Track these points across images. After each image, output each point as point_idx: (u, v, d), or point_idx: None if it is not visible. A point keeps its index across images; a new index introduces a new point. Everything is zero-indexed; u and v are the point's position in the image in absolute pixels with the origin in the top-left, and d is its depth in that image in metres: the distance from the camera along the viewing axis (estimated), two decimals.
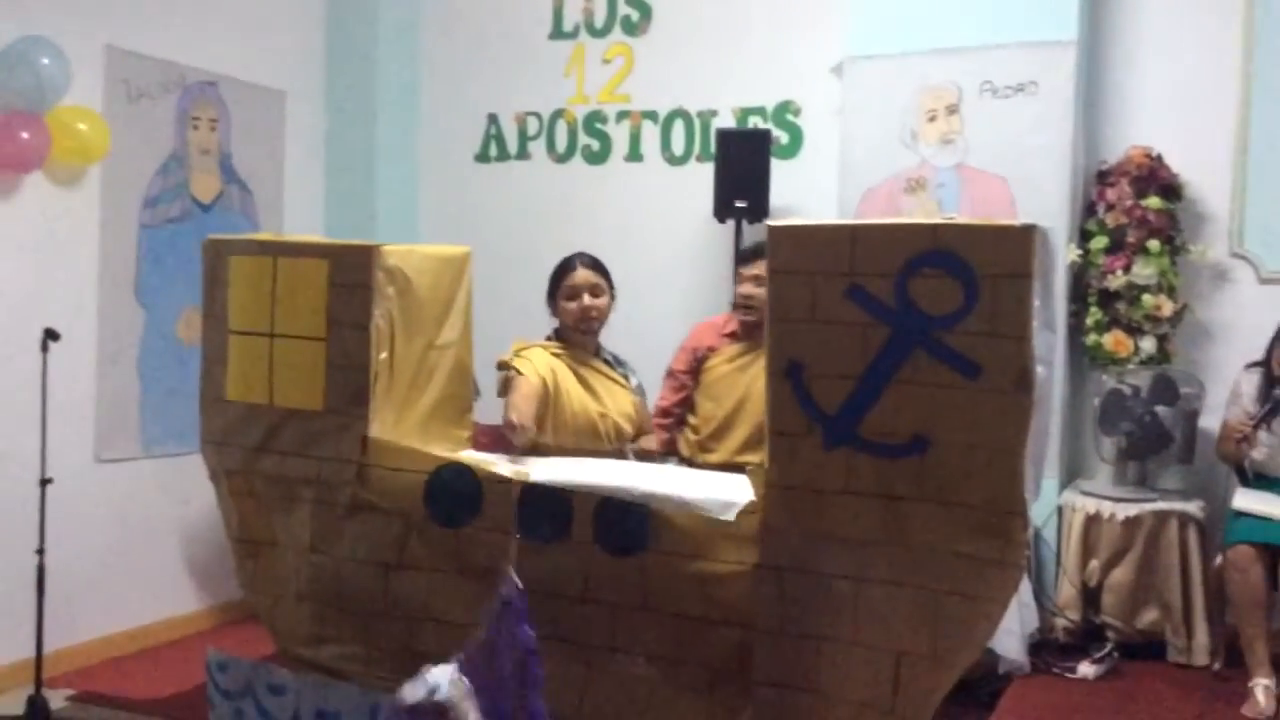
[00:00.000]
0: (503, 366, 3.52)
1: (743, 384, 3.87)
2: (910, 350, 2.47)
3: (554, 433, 3.46)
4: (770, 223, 2.62)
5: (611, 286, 3.65)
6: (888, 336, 2.48)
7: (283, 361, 3.12)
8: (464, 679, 2.60)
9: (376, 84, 5.43)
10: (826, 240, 2.55)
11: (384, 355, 3.04)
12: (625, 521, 2.79)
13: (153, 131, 4.56)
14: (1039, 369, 2.41)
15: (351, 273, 3.02)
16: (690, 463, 3.92)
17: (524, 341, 3.64)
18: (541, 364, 3.47)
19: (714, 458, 3.85)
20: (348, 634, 3.11)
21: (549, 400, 3.42)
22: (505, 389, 3.44)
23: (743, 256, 4.03)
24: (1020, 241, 2.38)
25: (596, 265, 3.63)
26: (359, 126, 5.43)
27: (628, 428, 3.64)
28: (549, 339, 3.70)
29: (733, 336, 3.98)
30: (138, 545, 4.53)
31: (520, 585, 2.31)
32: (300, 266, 3.08)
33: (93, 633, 4.32)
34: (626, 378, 3.72)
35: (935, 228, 2.46)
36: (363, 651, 3.09)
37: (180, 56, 4.63)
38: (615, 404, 3.61)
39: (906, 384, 2.48)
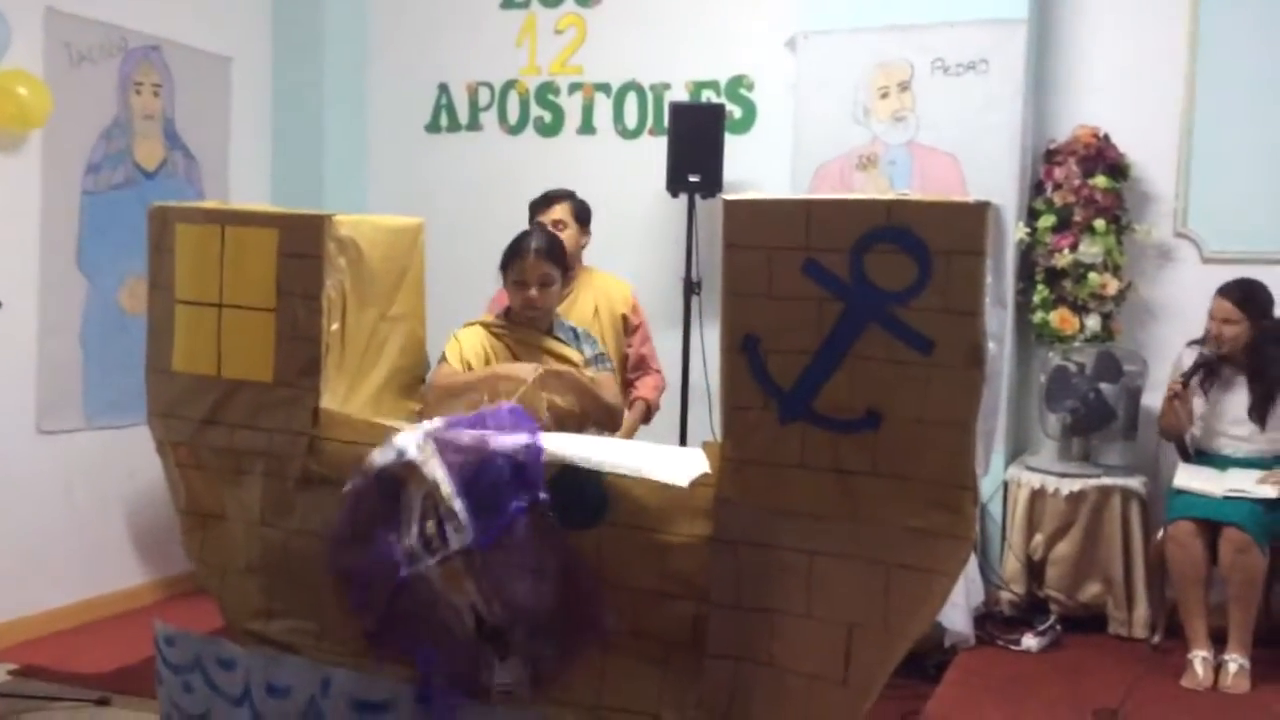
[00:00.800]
0: None
1: None
2: (865, 325, 2.47)
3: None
4: (726, 196, 2.61)
5: (565, 270, 3.52)
6: (842, 311, 2.48)
7: (231, 332, 3.06)
8: (431, 441, 2.62)
9: (325, 50, 5.36)
10: (782, 215, 2.54)
11: (335, 326, 2.99)
12: (580, 495, 2.78)
13: (95, 96, 4.46)
14: (990, 345, 2.43)
15: (302, 243, 2.96)
16: None
17: (473, 320, 3.59)
18: (472, 346, 3.41)
19: None
20: (298, 608, 3.07)
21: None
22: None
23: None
24: (974, 218, 2.39)
25: (551, 252, 3.44)
26: (307, 94, 5.36)
27: (571, 409, 3.43)
28: (496, 317, 3.62)
29: None
30: (82, 517, 4.46)
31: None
32: (249, 235, 3.02)
33: (36, 606, 4.26)
34: (582, 350, 3.58)
35: (890, 204, 2.46)
36: (314, 625, 3.05)
37: (123, 19, 4.54)
38: (563, 380, 3.43)
39: (861, 359, 2.49)
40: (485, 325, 3.54)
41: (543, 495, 2.67)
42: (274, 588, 3.08)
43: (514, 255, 3.45)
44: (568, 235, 4.04)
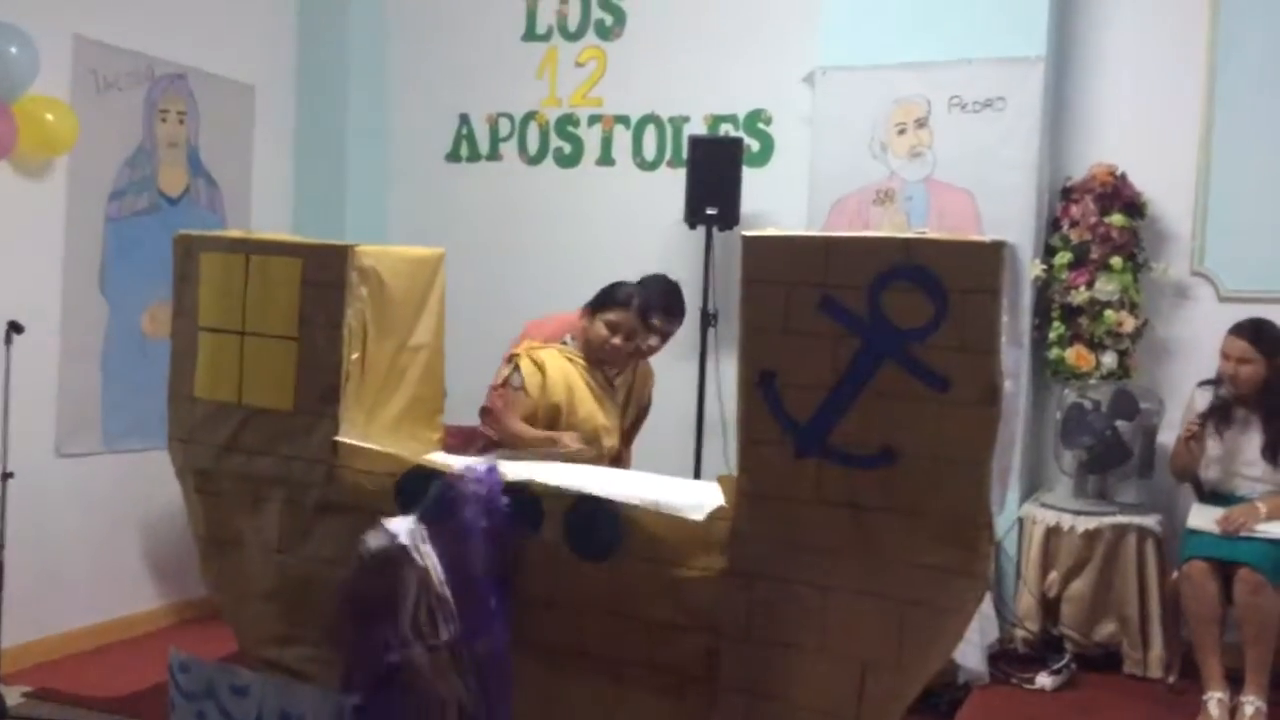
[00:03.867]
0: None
1: None
2: (881, 362, 2.49)
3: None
4: (745, 232, 2.64)
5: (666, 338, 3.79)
6: (859, 348, 2.50)
7: (253, 360, 3.10)
8: (422, 526, 2.64)
9: (347, 80, 5.42)
10: (800, 251, 2.58)
11: (355, 356, 3.03)
12: (596, 525, 2.80)
13: (120, 123, 4.52)
14: (1006, 383, 2.45)
15: (325, 272, 3.01)
16: None
17: (537, 341, 3.68)
18: (555, 375, 3.53)
19: None
20: (313, 635, 3.09)
21: (560, 410, 3.50)
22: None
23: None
24: (990, 257, 2.41)
25: (649, 323, 3.67)
26: (329, 123, 5.41)
27: (615, 445, 3.72)
28: (565, 342, 3.74)
29: None
30: (98, 541, 4.48)
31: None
32: (273, 264, 3.07)
33: (52, 629, 4.27)
34: (618, 401, 3.79)
35: (908, 241, 2.49)
36: (327, 654, 3.07)
37: (149, 48, 4.60)
38: (613, 420, 3.67)
39: (877, 395, 2.51)
40: (561, 351, 3.65)
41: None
42: (290, 615, 3.11)
43: (614, 301, 3.61)
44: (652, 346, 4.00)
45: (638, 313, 3.59)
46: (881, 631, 2.53)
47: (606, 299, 3.62)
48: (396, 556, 2.71)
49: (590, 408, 3.55)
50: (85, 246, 4.41)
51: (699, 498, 2.72)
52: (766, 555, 2.61)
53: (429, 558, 2.71)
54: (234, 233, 3.54)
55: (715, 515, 2.67)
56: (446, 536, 2.74)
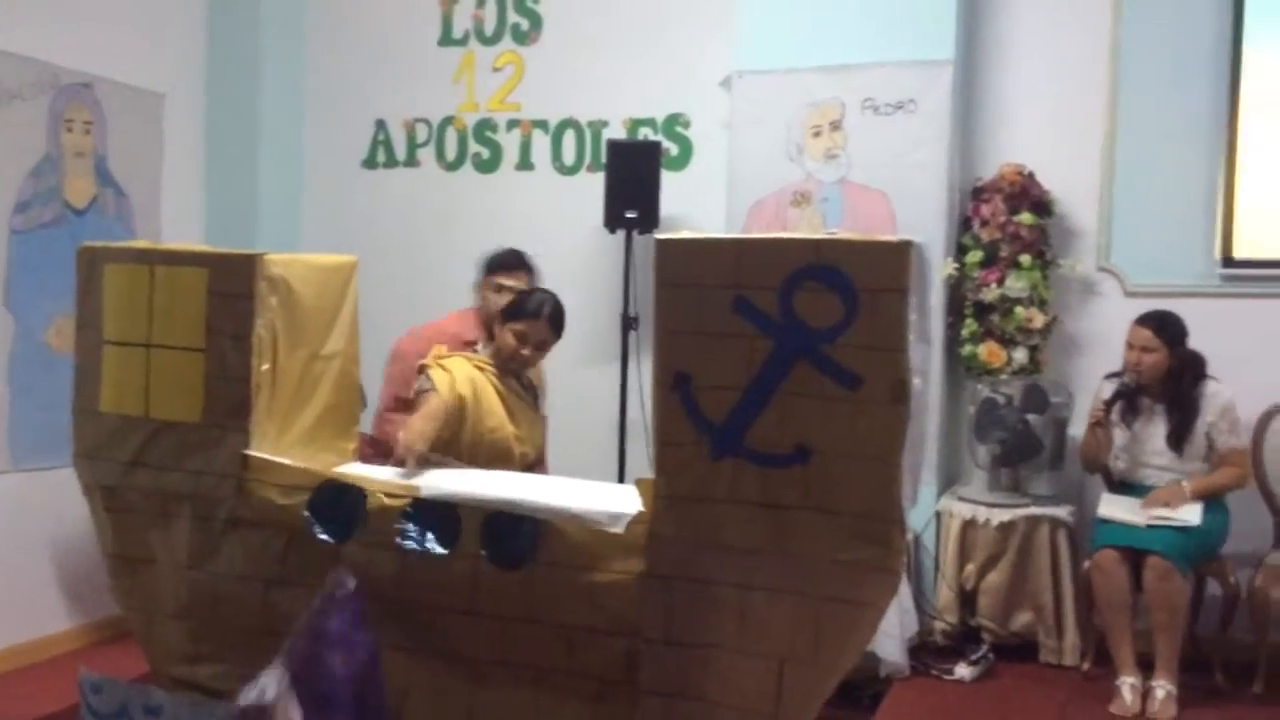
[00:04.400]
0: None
1: None
2: (794, 362, 2.52)
3: (468, 449, 3.40)
4: (658, 235, 2.65)
5: (559, 339, 3.64)
6: (772, 348, 2.53)
7: (160, 373, 3.04)
8: (287, 677, 2.60)
9: (260, 87, 5.33)
10: (713, 253, 2.59)
11: (266, 366, 2.99)
12: (514, 534, 2.79)
13: (24, 133, 4.40)
14: (915, 380, 2.49)
15: (232, 282, 2.96)
16: None
17: (444, 349, 3.60)
18: (461, 376, 3.42)
19: None
20: (226, 652, 3.04)
21: (465, 417, 3.39)
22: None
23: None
24: (897, 257, 2.45)
25: (555, 322, 3.57)
26: (241, 131, 5.32)
27: (532, 454, 3.62)
28: (477, 350, 3.69)
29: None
30: (6, 561, 4.35)
31: (352, 584, 2.28)
32: (179, 275, 3.01)
33: None
34: (538, 404, 3.72)
35: (818, 242, 2.53)
36: (241, 670, 3.00)
37: (53, 56, 4.48)
38: (528, 429, 3.59)
39: (790, 395, 2.53)
40: (468, 358, 3.57)
41: None
42: (201, 632, 3.05)
43: (526, 313, 3.54)
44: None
45: (548, 323, 3.53)
46: (799, 628, 2.56)
47: (517, 309, 3.55)
48: (259, 713, 2.66)
49: (499, 417, 3.48)
50: None
51: (617, 502, 2.73)
52: (684, 557, 2.62)
53: (293, 713, 2.66)
54: (138, 244, 3.47)
55: (634, 519, 2.67)
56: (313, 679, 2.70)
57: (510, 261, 4.10)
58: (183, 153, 5.19)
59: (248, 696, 2.65)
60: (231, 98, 5.30)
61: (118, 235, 4.73)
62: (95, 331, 3.13)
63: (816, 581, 2.54)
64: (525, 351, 3.52)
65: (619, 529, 2.67)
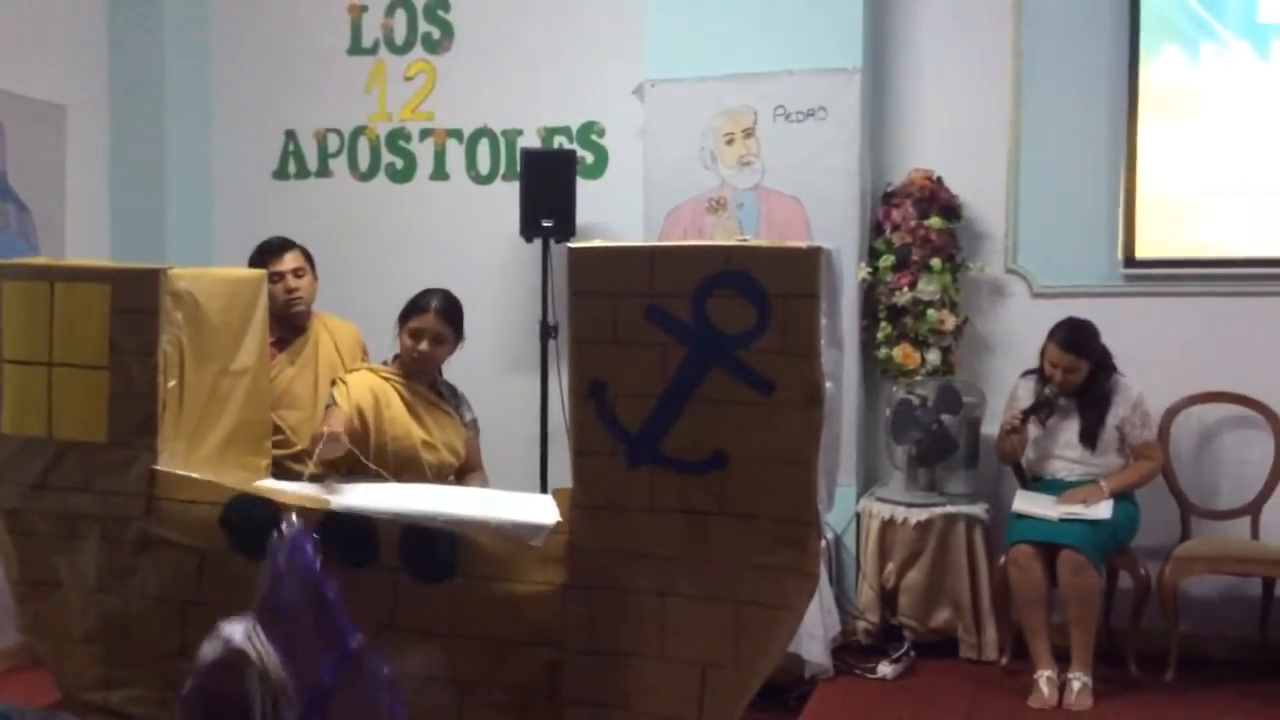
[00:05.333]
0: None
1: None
2: (708, 368, 2.54)
3: (374, 457, 3.39)
4: (570, 244, 2.66)
5: (459, 333, 3.63)
6: (686, 355, 2.54)
7: (62, 391, 2.96)
8: (258, 626, 2.56)
9: (165, 97, 5.23)
10: (626, 261, 2.60)
11: (172, 383, 2.93)
12: (432, 548, 2.77)
13: None
14: (828, 384, 2.52)
15: (136, 298, 2.90)
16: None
17: (361, 365, 3.64)
18: (360, 389, 3.42)
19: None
20: (140, 676, 2.97)
21: (366, 427, 3.38)
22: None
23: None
24: (807, 263, 2.48)
25: (448, 313, 3.57)
26: (147, 143, 5.20)
27: (453, 461, 3.59)
28: (386, 362, 3.67)
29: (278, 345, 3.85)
30: None
31: (301, 526, 2.28)
32: (80, 291, 2.94)
33: None
34: (460, 413, 3.69)
35: (729, 250, 2.54)
36: (156, 694, 2.95)
37: None
38: (443, 436, 3.56)
39: (706, 401, 2.55)
40: (373, 370, 3.58)
41: (354, 644, 2.62)
42: (113, 656, 2.98)
43: (415, 309, 3.57)
44: (307, 282, 3.89)
45: (437, 315, 3.52)
46: (719, 633, 2.58)
47: (407, 308, 3.58)
48: (236, 661, 2.62)
49: (405, 426, 3.46)
50: None
51: (535, 513, 2.72)
52: (604, 566, 2.62)
53: (266, 651, 2.62)
54: (37, 260, 3.37)
55: (553, 530, 2.66)
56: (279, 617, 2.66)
57: (274, 247, 3.94)
58: (86, 166, 5.06)
59: (213, 650, 2.60)
60: (136, 109, 5.18)
61: (20, 251, 4.59)
62: None
63: (735, 586, 2.56)
64: (423, 347, 3.51)
65: (538, 542, 2.66)
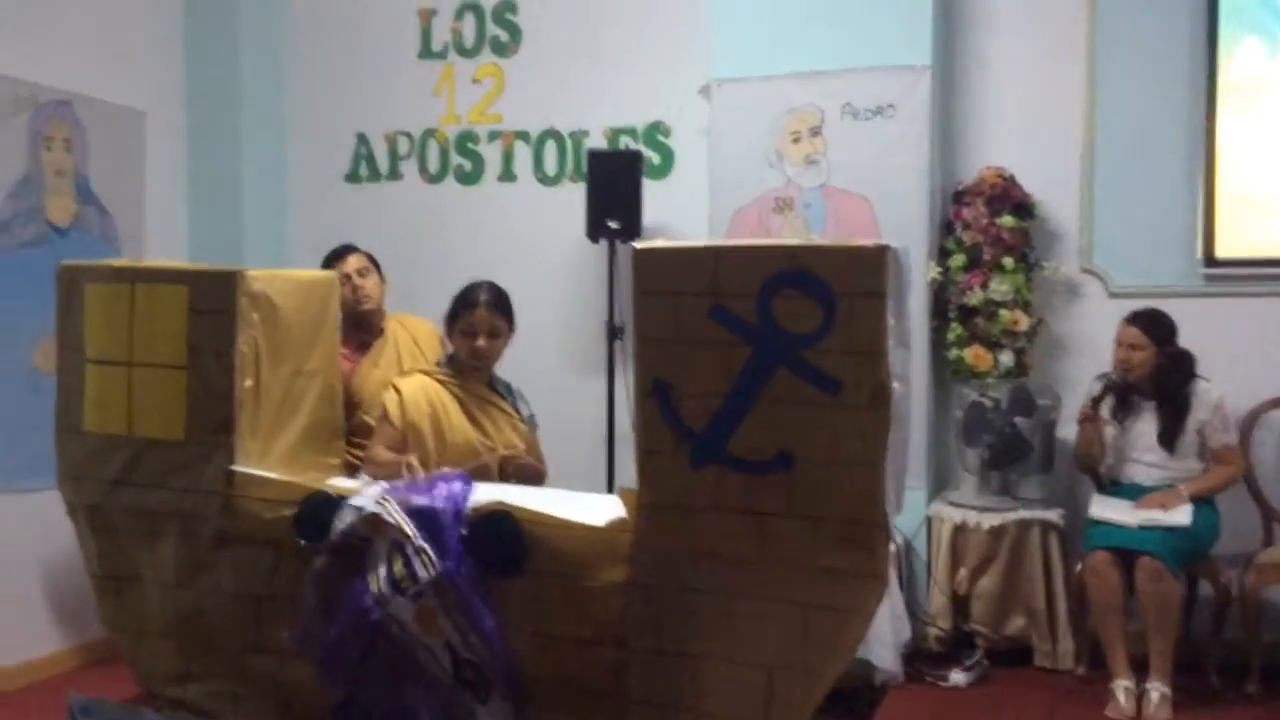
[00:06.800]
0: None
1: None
2: (773, 368, 2.52)
3: (437, 463, 3.34)
4: (635, 244, 2.66)
5: (511, 324, 3.56)
6: (750, 355, 2.52)
7: (142, 391, 3.03)
8: (389, 493, 2.77)
9: (241, 102, 5.34)
10: (689, 261, 2.59)
11: (249, 383, 2.98)
12: (502, 542, 2.78)
13: (3, 152, 4.39)
14: (895, 385, 2.49)
15: (213, 299, 2.96)
16: None
17: (415, 368, 3.62)
18: (415, 397, 3.39)
19: None
20: (216, 670, 3.03)
21: (421, 436, 3.36)
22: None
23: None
24: (874, 261, 2.45)
25: (499, 304, 3.51)
26: (223, 147, 5.32)
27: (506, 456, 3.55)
28: (439, 364, 3.65)
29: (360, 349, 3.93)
30: None
31: None
32: (159, 293, 3.00)
33: None
34: (518, 408, 3.66)
35: (794, 249, 2.52)
36: (231, 688, 3.01)
37: (33, 74, 4.47)
38: (502, 436, 3.53)
39: (771, 401, 2.53)
40: (428, 374, 3.54)
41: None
42: (190, 651, 3.04)
43: (464, 306, 3.50)
44: (373, 282, 4.02)
45: (488, 308, 3.47)
46: (786, 636, 2.55)
47: (455, 309, 3.51)
48: (364, 529, 2.71)
49: (464, 430, 3.42)
50: None
51: (600, 512, 2.72)
52: (669, 566, 2.62)
53: (399, 514, 2.72)
54: (118, 262, 3.45)
55: (617, 527, 2.66)
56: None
57: (339, 251, 4.08)
58: (165, 170, 5.18)
59: (344, 520, 2.76)
60: (212, 114, 5.30)
61: (101, 254, 4.71)
62: (77, 351, 3.12)
63: (802, 589, 2.53)
64: (480, 343, 3.45)
65: (599, 524, 2.66)
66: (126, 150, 4.96)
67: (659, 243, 2.73)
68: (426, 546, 2.69)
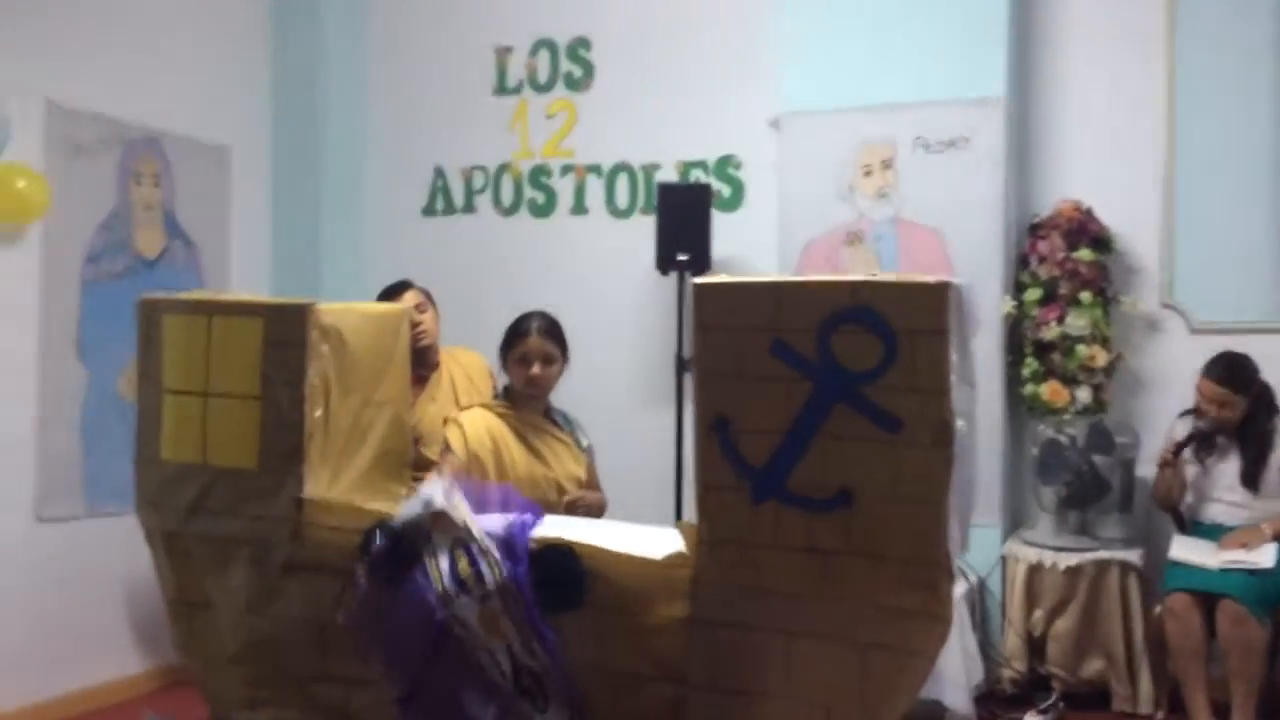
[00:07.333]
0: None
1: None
2: (833, 405, 2.49)
3: None
4: (696, 280, 2.66)
5: (565, 351, 3.58)
6: (811, 391, 2.50)
7: (217, 420, 3.09)
8: (454, 486, 2.80)
9: (323, 137, 5.49)
10: (750, 296, 2.59)
11: (319, 413, 3.03)
12: (563, 576, 2.78)
13: (94, 187, 4.56)
14: (959, 423, 2.45)
15: (285, 331, 3.01)
16: None
17: (474, 402, 3.64)
18: (477, 430, 3.42)
19: None
20: (284, 696, 3.07)
21: (485, 470, 3.39)
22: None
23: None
24: (935, 298, 2.42)
25: (551, 332, 3.53)
26: (305, 181, 5.46)
27: (576, 489, 3.57)
28: (497, 396, 3.68)
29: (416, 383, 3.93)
30: (80, 605, 4.47)
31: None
32: (234, 325, 3.07)
33: (31, 696, 4.24)
34: (576, 438, 3.66)
35: (855, 284, 2.50)
36: (298, 715, 3.04)
37: (122, 113, 4.65)
38: (562, 466, 3.54)
39: (831, 438, 2.50)
40: (487, 407, 3.56)
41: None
42: (258, 677, 3.08)
43: (517, 335, 3.53)
44: (430, 317, 4.04)
45: (540, 334, 3.49)
46: (845, 675, 2.51)
47: (507, 338, 3.53)
48: (427, 523, 2.76)
49: (526, 463, 3.45)
50: (61, 311, 4.44)
51: (659, 545, 2.72)
52: (728, 602, 2.60)
53: (466, 513, 2.75)
54: (196, 294, 3.55)
55: (676, 562, 2.65)
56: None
57: (395, 288, 4.10)
58: (249, 203, 5.34)
59: (410, 510, 2.80)
60: (295, 149, 5.45)
61: (187, 285, 4.87)
62: (155, 381, 3.20)
63: (862, 628, 2.49)
64: (535, 371, 3.46)
65: (657, 556, 2.66)
66: (212, 185, 5.13)
67: (720, 277, 2.74)
68: (494, 548, 2.71)
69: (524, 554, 2.74)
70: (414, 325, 3.91)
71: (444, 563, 2.75)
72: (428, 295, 4.10)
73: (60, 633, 4.37)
